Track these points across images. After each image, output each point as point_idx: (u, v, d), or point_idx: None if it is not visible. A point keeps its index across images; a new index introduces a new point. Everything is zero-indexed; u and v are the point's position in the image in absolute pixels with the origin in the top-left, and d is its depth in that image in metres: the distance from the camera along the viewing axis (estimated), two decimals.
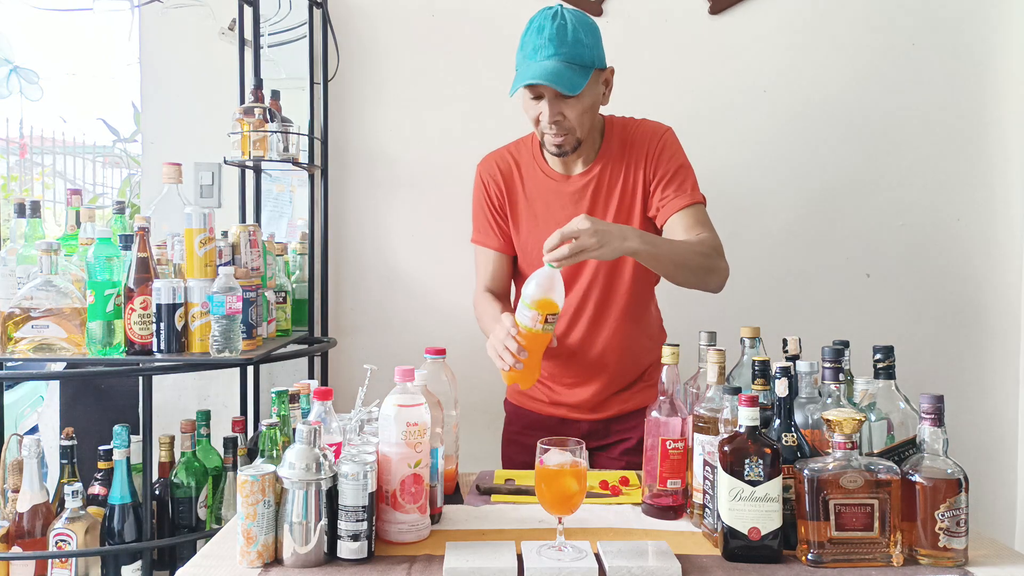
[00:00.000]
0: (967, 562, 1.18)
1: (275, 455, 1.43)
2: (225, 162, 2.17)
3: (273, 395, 1.57)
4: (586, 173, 1.73)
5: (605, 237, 1.43)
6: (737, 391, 1.25)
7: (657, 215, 1.70)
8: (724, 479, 1.19)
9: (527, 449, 1.78)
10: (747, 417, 1.19)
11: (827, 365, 1.30)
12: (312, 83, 2.37)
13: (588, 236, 1.41)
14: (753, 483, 1.17)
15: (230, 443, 1.84)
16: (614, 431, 1.82)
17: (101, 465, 1.77)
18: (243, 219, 2.34)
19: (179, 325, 1.67)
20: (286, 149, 2.11)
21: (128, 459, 1.71)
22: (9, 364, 1.76)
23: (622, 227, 1.50)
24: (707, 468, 1.28)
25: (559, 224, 1.70)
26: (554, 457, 1.18)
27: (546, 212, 1.75)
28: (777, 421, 1.24)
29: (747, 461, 1.17)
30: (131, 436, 1.71)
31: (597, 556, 1.17)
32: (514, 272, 1.85)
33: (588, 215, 1.44)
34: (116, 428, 1.69)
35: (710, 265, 1.62)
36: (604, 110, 1.75)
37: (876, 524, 1.17)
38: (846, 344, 1.45)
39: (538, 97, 1.62)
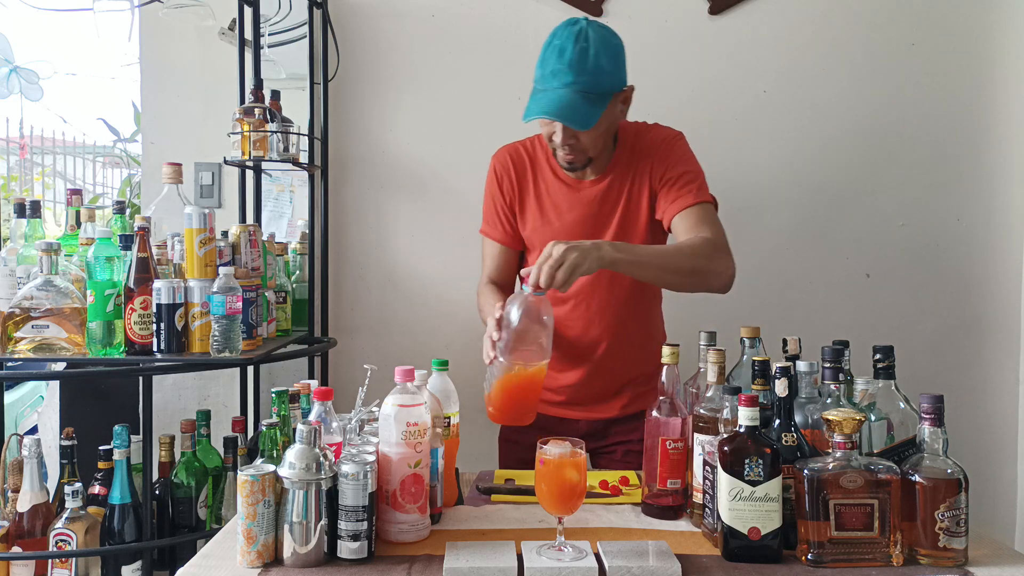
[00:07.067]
0: (967, 562, 1.18)
1: (275, 455, 1.43)
2: (225, 162, 2.17)
3: (273, 395, 1.57)
4: (597, 181, 1.73)
5: (583, 252, 1.41)
6: (737, 391, 1.25)
7: (663, 216, 1.69)
8: (724, 479, 1.19)
9: (523, 448, 1.79)
10: (747, 417, 1.19)
11: (827, 365, 1.30)
12: (312, 83, 2.37)
13: (571, 253, 1.39)
14: (753, 483, 1.17)
15: (230, 443, 1.84)
16: (613, 432, 1.81)
17: (101, 465, 1.77)
18: (243, 219, 2.34)
19: (179, 325, 1.67)
20: (286, 149, 2.11)
21: (128, 459, 1.71)
22: (9, 364, 1.76)
23: (594, 241, 1.46)
24: (707, 468, 1.28)
25: (567, 225, 1.72)
26: (553, 451, 1.18)
27: (555, 213, 1.75)
28: (777, 421, 1.24)
29: (747, 461, 1.17)
30: (131, 436, 1.71)
31: (597, 556, 1.17)
32: (520, 266, 1.84)
33: (556, 240, 1.42)
34: (116, 428, 1.69)
35: (705, 267, 1.57)
36: None
37: (876, 524, 1.17)
38: (846, 344, 1.45)
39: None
